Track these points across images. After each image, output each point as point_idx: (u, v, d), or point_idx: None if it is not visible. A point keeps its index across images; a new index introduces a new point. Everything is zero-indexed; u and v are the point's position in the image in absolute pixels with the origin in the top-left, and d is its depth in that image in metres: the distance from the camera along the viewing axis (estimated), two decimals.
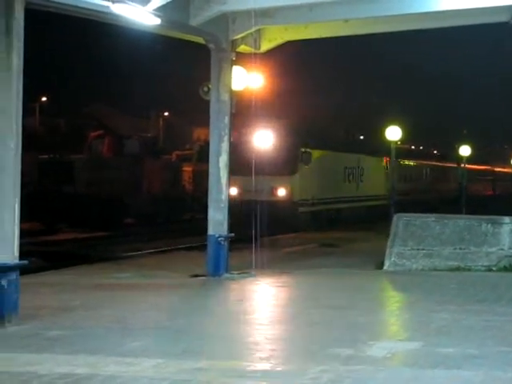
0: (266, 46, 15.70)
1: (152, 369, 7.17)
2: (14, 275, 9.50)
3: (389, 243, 15.83)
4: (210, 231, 14.68)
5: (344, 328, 9.28)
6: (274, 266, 15.85)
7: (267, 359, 7.68)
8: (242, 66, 15.42)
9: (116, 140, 34.61)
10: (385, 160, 37.42)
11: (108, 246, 23.68)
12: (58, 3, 11.10)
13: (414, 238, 15.77)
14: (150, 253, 21.35)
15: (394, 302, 12.58)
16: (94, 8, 11.46)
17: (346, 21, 14.63)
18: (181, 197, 35.29)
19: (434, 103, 68.53)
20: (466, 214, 25.09)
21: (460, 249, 15.52)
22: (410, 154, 45.45)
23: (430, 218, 16.21)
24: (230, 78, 14.77)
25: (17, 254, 9.58)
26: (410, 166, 43.45)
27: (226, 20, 14.44)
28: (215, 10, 13.69)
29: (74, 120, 48.82)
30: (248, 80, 15.72)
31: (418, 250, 15.63)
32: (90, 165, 32.17)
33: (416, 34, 18.40)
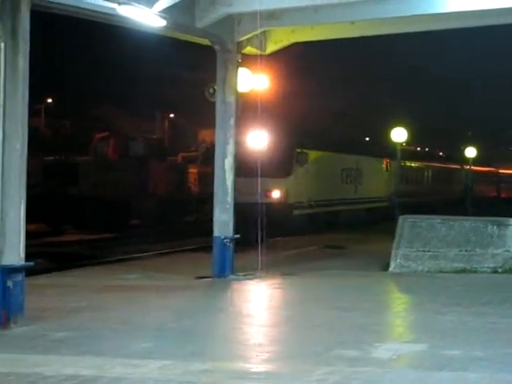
0: (271, 48, 15.70)
1: (158, 370, 7.17)
2: (19, 276, 9.54)
3: (394, 245, 15.81)
4: (216, 233, 14.69)
5: (350, 330, 9.28)
6: (277, 267, 15.85)
7: (272, 361, 7.68)
8: (247, 67, 15.43)
9: (121, 142, 34.59)
10: (385, 162, 37.27)
11: (113, 248, 23.68)
12: (67, 5, 11.16)
13: (420, 240, 15.74)
14: (156, 254, 21.40)
15: (399, 303, 12.57)
16: (101, 10, 11.53)
17: (352, 22, 14.60)
18: (186, 198, 35.25)
19: (440, 105, 68.35)
20: (472, 215, 25.04)
21: (466, 251, 15.49)
22: (415, 156, 45.28)
23: (436, 219, 16.19)
24: (236, 79, 14.78)
25: (23, 255, 9.61)
26: (415, 167, 43.26)
27: (231, 22, 14.45)
28: (221, 11, 13.72)
29: (79, 122, 48.85)
30: (254, 82, 15.73)
31: (423, 251, 15.60)
32: (96, 166, 32.19)
33: (423, 35, 18.38)
